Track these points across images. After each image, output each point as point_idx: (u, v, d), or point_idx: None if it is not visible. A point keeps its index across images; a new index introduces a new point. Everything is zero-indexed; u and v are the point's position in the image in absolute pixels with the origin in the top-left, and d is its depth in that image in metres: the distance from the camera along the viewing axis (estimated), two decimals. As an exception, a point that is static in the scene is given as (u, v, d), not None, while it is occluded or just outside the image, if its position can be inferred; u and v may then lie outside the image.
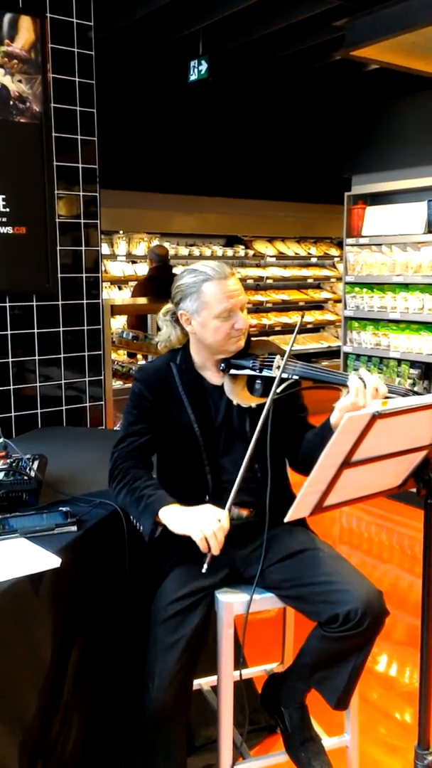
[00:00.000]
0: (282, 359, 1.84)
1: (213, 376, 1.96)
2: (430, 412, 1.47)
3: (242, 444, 1.90)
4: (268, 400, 1.75)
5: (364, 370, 1.81)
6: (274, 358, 1.88)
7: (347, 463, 1.42)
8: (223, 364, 1.93)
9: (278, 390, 1.78)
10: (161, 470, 2.02)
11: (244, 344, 1.92)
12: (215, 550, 1.66)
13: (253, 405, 1.88)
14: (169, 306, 1.99)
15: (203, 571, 1.66)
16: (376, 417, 1.36)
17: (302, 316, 1.86)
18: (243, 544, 1.88)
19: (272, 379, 1.83)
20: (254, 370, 1.89)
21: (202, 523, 1.67)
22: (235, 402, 1.90)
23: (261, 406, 1.83)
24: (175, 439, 1.92)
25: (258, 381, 1.90)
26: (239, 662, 1.83)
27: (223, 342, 1.88)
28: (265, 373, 1.88)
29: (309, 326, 7.96)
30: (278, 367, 1.83)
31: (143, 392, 1.93)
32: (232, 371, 1.92)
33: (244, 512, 1.90)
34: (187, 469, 1.92)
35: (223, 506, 1.75)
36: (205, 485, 1.90)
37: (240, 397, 1.90)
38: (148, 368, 1.99)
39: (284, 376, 1.82)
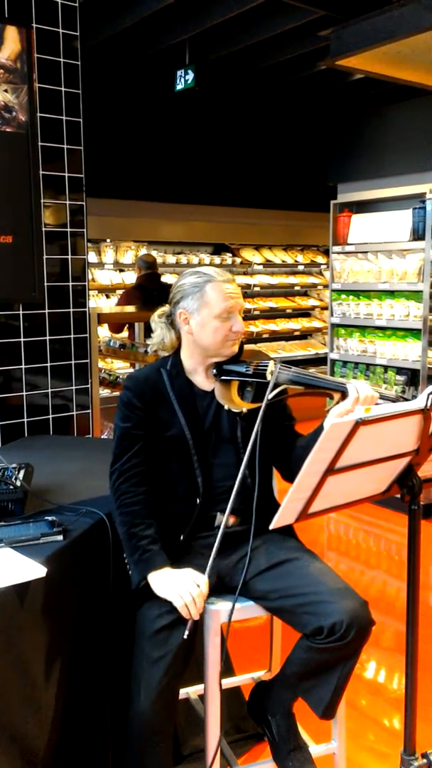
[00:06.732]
0: (275, 365, 1.85)
1: (203, 382, 1.96)
2: (412, 418, 1.48)
3: (231, 449, 1.91)
4: (263, 405, 1.76)
5: (356, 380, 1.83)
6: (267, 364, 1.89)
7: (331, 469, 1.43)
8: (215, 369, 1.93)
9: (270, 396, 1.79)
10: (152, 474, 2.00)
11: (237, 350, 1.93)
12: (195, 616, 1.70)
13: (244, 410, 1.88)
14: (164, 308, 1.98)
15: (185, 637, 1.70)
16: (359, 424, 1.37)
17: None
18: (228, 553, 1.88)
19: (264, 384, 1.84)
20: (248, 374, 1.90)
21: (183, 591, 1.71)
22: (225, 407, 1.90)
23: (251, 412, 1.84)
24: (166, 444, 1.91)
25: (249, 387, 1.91)
26: (226, 670, 1.82)
27: (219, 344, 1.89)
28: (257, 378, 1.89)
29: (296, 333, 7.98)
30: (271, 372, 1.84)
31: (132, 400, 1.91)
32: (224, 376, 1.93)
33: (231, 519, 1.90)
34: (177, 472, 1.91)
35: (214, 508, 1.85)
36: (195, 488, 1.90)
37: (231, 402, 1.90)
38: (138, 376, 1.97)
39: (278, 380, 1.83)
